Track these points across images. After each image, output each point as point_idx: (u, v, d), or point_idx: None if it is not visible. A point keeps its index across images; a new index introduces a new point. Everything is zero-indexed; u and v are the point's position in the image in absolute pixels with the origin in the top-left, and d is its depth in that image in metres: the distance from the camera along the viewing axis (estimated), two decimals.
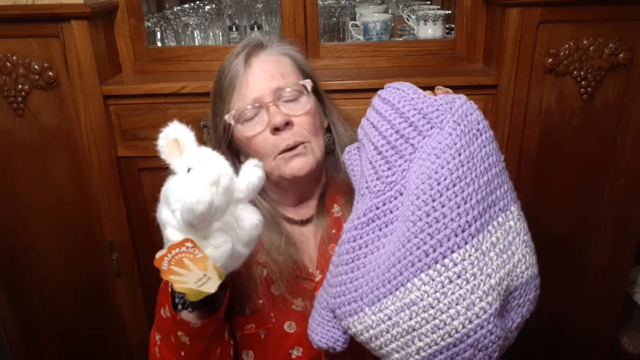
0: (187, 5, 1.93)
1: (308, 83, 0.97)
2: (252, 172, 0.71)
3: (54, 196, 1.52)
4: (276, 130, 0.92)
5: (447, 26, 1.64)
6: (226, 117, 0.95)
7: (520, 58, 1.36)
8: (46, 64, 1.39)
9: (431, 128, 0.74)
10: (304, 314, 0.96)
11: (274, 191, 1.03)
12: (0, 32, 1.36)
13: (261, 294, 0.98)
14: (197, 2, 2.03)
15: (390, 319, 0.71)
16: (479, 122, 0.74)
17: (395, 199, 0.76)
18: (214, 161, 0.68)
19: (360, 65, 1.53)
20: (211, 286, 0.68)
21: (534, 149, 1.46)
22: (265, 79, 0.94)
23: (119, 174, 1.50)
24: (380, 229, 0.77)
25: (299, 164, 0.94)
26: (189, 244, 0.65)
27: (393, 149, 0.75)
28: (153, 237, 1.60)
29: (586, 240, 1.56)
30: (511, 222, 0.75)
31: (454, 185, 0.69)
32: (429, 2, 1.98)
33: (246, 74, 0.94)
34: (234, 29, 1.74)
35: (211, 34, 1.75)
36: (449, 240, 0.68)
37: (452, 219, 0.69)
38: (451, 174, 0.69)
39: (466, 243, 0.69)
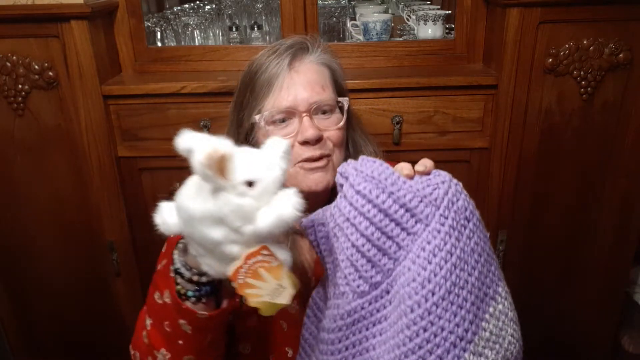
0: (187, 5, 1.93)
1: (346, 101, 0.97)
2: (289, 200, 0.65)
3: (53, 196, 1.52)
4: (306, 143, 0.92)
5: (447, 26, 1.64)
6: (257, 117, 0.94)
7: (520, 58, 1.36)
8: (46, 64, 1.38)
9: (416, 223, 0.68)
10: (295, 316, 0.95)
11: None
12: (0, 32, 1.36)
13: None
14: (197, 2, 2.02)
15: None
16: (466, 209, 0.69)
17: (382, 297, 0.71)
18: (270, 163, 0.63)
19: (360, 65, 1.53)
20: (285, 297, 0.64)
21: (534, 149, 1.46)
22: (305, 88, 0.92)
23: (119, 174, 1.50)
24: (367, 329, 0.73)
25: (318, 179, 0.93)
26: (265, 252, 0.62)
27: (375, 248, 0.69)
28: (153, 237, 1.59)
29: (586, 240, 1.56)
30: (500, 306, 0.72)
31: (449, 294, 0.65)
32: (429, 2, 1.98)
33: (287, 78, 0.92)
34: (234, 29, 1.74)
35: (211, 34, 1.75)
36: (448, 353, 0.65)
37: (450, 332, 0.65)
38: (446, 281, 0.65)
39: (465, 351, 0.66)
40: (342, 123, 0.96)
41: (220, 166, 0.58)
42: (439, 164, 1.68)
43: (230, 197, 0.60)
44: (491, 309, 0.70)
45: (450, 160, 1.50)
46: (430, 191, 0.69)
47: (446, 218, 0.68)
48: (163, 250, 0.99)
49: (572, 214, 1.53)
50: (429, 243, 0.67)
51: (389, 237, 0.69)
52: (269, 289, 0.63)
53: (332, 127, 0.95)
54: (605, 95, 1.40)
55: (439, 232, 0.67)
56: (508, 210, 1.52)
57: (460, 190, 0.70)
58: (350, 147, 1.04)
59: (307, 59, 0.96)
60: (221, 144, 0.59)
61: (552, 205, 1.52)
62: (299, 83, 0.92)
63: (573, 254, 1.58)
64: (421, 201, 0.68)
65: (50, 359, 1.75)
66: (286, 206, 0.60)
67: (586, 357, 1.73)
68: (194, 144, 0.58)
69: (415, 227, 0.68)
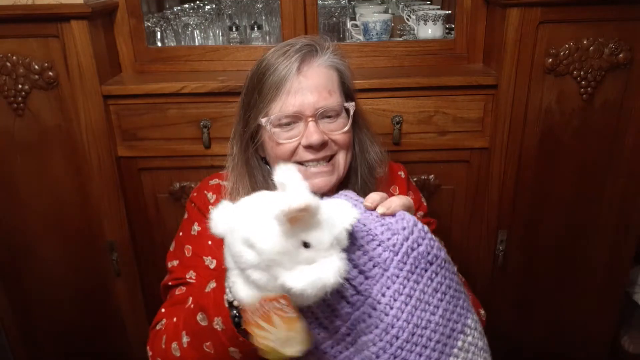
0: (187, 5, 1.93)
1: (352, 106, 0.97)
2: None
3: (53, 196, 1.52)
4: (310, 147, 0.93)
5: (447, 26, 1.64)
6: (263, 120, 0.94)
7: (520, 58, 1.36)
8: (46, 64, 1.38)
9: (374, 267, 0.67)
10: None
11: None
12: (0, 32, 1.36)
13: None
14: (197, 2, 2.02)
15: None
16: (428, 253, 0.68)
17: (347, 349, 0.70)
18: (338, 240, 0.63)
19: (360, 65, 1.53)
20: (294, 350, 0.64)
21: (534, 149, 1.46)
22: (312, 93, 0.92)
23: (119, 174, 1.50)
24: None
25: (321, 183, 0.95)
26: (283, 301, 0.63)
27: (336, 292, 0.66)
28: (153, 237, 1.60)
29: (586, 240, 1.56)
30: (469, 338, 0.72)
31: (413, 335, 0.66)
32: (429, 2, 1.98)
33: (295, 82, 0.92)
34: (234, 29, 1.74)
35: (211, 34, 1.75)
36: None
37: None
38: (408, 324, 0.66)
39: None
40: (347, 127, 0.97)
41: (296, 217, 0.60)
42: (439, 164, 1.68)
43: (283, 240, 0.61)
44: (460, 343, 0.71)
45: (450, 160, 1.50)
46: (389, 236, 0.68)
47: (404, 264, 0.67)
48: (185, 217, 1.05)
49: (572, 214, 1.53)
50: (388, 288, 0.67)
51: (346, 279, 0.66)
52: (278, 336, 0.64)
53: (337, 131, 0.95)
54: (605, 95, 1.40)
55: (397, 277, 0.67)
56: (508, 210, 1.52)
57: (423, 235, 0.69)
58: (356, 147, 1.05)
59: (316, 62, 0.95)
60: (312, 201, 0.59)
61: (552, 205, 1.52)
62: (307, 88, 0.92)
63: (573, 253, 1.58)
64: (379, 245, 0.67)
65: (49, 358, 1.75)
66: (330, 280, 0.60)
67: (586, 357, 1.73)
68: (290, 184, 0.62)
69: (373, 270, 0.67)
